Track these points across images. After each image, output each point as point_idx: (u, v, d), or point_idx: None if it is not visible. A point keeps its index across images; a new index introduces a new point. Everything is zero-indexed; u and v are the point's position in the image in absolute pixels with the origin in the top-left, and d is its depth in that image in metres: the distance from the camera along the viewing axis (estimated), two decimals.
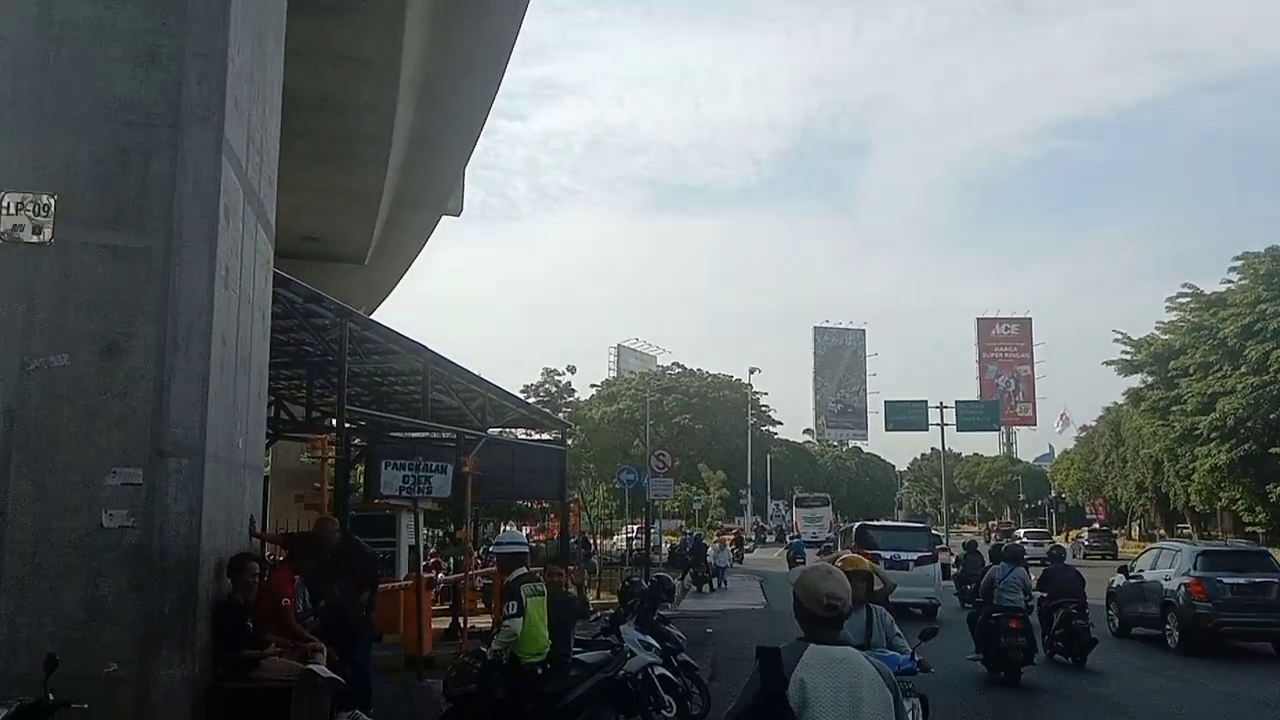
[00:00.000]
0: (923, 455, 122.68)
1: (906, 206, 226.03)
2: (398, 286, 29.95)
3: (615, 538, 42.00)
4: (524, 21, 15.65)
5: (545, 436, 27.42)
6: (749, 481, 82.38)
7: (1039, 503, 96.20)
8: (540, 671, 7.35)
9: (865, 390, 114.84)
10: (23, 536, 6.36)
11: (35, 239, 6.61)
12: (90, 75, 6.87)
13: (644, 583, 11.70)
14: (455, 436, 19.68)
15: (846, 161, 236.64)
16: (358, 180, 20.00)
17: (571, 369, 71.47)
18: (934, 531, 33.52)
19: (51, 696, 4.69)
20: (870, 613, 7.21)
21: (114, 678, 6.36)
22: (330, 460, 13.98)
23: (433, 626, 13.39)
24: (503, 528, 13.60)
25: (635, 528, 45.89)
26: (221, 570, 7.52)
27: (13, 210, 6.58)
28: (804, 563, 28.67)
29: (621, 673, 9.14)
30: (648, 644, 10.00)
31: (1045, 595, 15.82)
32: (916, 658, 7.42)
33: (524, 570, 7.85)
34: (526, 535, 16.74)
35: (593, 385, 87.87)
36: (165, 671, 6.56)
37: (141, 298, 6.78)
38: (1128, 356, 57.48)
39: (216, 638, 7.32)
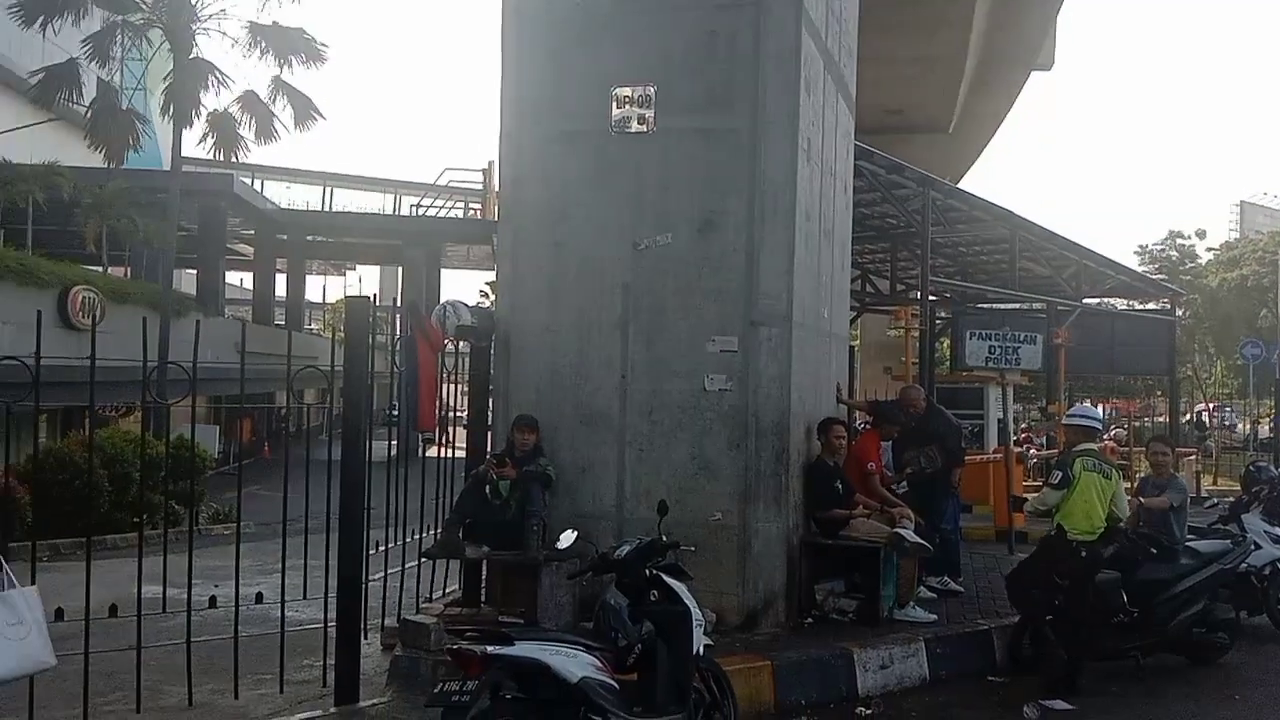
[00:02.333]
0: None
1: None
2: (985, 152, 28.91)
3: (1185, 416, 37.12)
4: None
5: (1151, 306, 24.96)
6: None
7: None
8: (1084, 554, 6.88)
9: None
10: (641, 397, 7.21)
11: (640, 128, 7.27)
12: None
13: (1273, 469, 10.24)
14: (1046, 307, 18.68)
15: None
16: (939, 43, 19.40)
17: (1200, 233, 63.61)
18: None
19: (665, 538, 5.26)
20: None
21: (717, 525, 7.03)
22: (914, 332, 14.01)
23: None
24: (1082, 403, 12.84)
25: (1201, 406, 40.55)
26: (811, 433, 7.90)
27: (621, 103, 7.27)
28: None
29: (1244, 565, 8.27)
30: (1276, 536, 8.90)
31: None
32: None
33: (1088, 445, 7.30)
34: (1105, 413, 15.42)
35: (1210, 249, 78.03)
36: (762, 523, 7.11)
37: (731, 176, 7.19)
38: None
39: (807, 496, 7.75)
